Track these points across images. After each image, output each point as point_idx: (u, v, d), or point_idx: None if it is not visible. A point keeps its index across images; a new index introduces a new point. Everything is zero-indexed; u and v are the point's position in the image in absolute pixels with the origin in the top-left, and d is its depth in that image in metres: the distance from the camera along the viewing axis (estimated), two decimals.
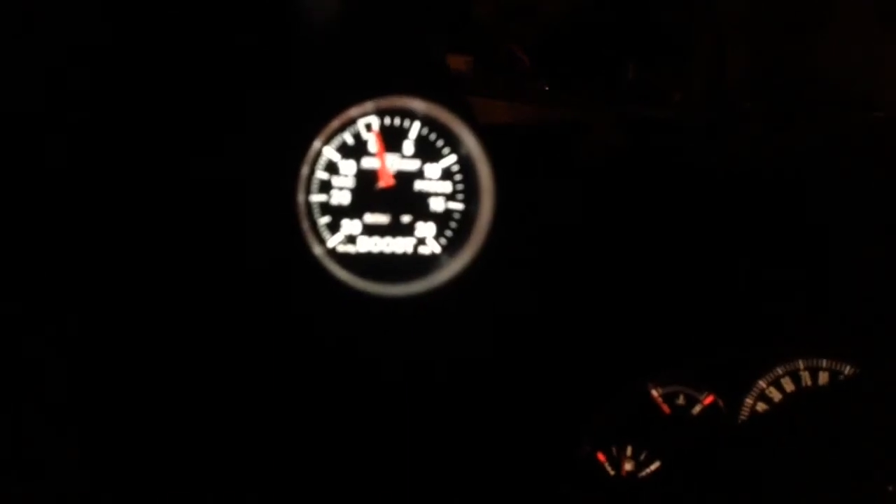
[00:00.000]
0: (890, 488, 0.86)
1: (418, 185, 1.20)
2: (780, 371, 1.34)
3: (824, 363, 1.33)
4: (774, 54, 1.46)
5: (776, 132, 1.41)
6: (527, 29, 1.51)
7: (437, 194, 1.21)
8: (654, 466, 1.33)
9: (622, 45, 1.48)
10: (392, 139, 1.18)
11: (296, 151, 1.12)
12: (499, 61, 1.48)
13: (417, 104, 1.17)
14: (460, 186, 1.21)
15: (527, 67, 1.48)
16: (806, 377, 1.34)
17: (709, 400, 1.34)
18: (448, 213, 1.21)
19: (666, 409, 1.34)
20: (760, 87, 1.44)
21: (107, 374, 1.05)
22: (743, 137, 1.42)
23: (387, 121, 1.18)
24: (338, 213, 1.17)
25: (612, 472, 1.32)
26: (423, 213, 1.20)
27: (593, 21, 1.51)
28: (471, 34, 1.45)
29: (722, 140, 1.43)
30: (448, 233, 1.22)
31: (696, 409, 1.34)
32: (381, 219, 1.19)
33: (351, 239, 1.18)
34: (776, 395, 1.34)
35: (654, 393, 1.34)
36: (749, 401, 1.34)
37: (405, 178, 1.19)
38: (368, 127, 1.17)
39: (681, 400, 1.35)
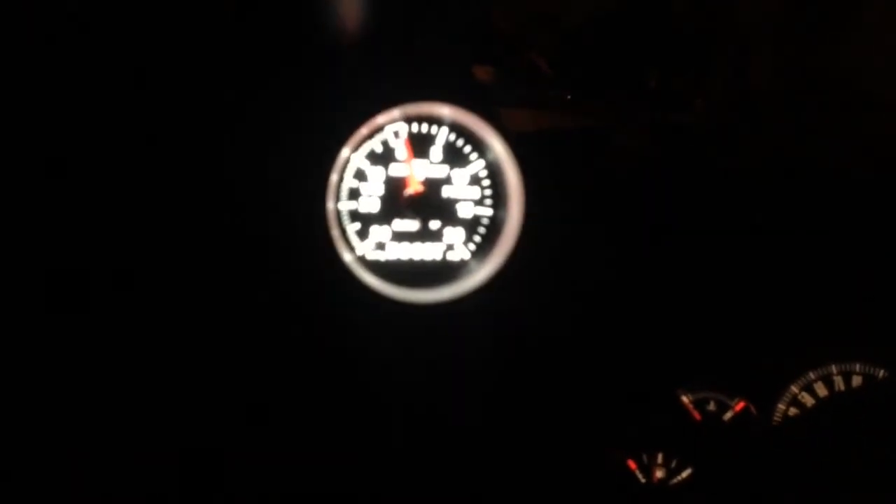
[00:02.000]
0: None
1: (446, 192, 1.20)
2: (812, 376, 1.32)
3: (857, 367, 1.32)
4: (798, 59, 1.45)
5: (801, 137, 1.40)
6: (548, 38, 1.50)
7: (465, 200, 1.21)
8: (685, 474, 1.31)
9: (644, 53, 1.48)
10: (420, 146, 1.18)
11: (325, 159, 1.12)
12: (520, 71, 1.48)
13: (445, 110, 1.17)
14: (488, 192, 1.21)
15: (548, 76, 1.48)
16: (839, 382, 1.32)
17: (740, 406, 1.33)
18: (476, 219, 1.21)
19: (697, 415, 1.32)
20: (784, 92, 1.43)
21: (136, 377, 1.06)
22: (767, 143, 1.41)
23: (414, 127, 1.18)
24: (367, 221, 1.17)
25: (643, 480, 1.31)
26: (451, 219, 1.20)
27: (615, 29, 1.51)
28: (492, 44, 1.45)
29: (746, 146, 1.42)
30: (477, 238, 1.22)
31: (728, 415, 1.33)
32: (410, 225, 1.19)
33: (380, 246, 1.18)
34: (809, 401, 1.32)
35: (685, 399, 1.32)
36: (781, 406, 1.33)
37: (433, 185, 1.19)
38: (396, 134, 1.17)
39: (712, 406, 1.33)
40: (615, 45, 1.47)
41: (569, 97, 1.45)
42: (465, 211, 1.21)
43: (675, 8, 1.50)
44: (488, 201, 1.21)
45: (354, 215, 1.17)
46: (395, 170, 1.18)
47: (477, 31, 1.38)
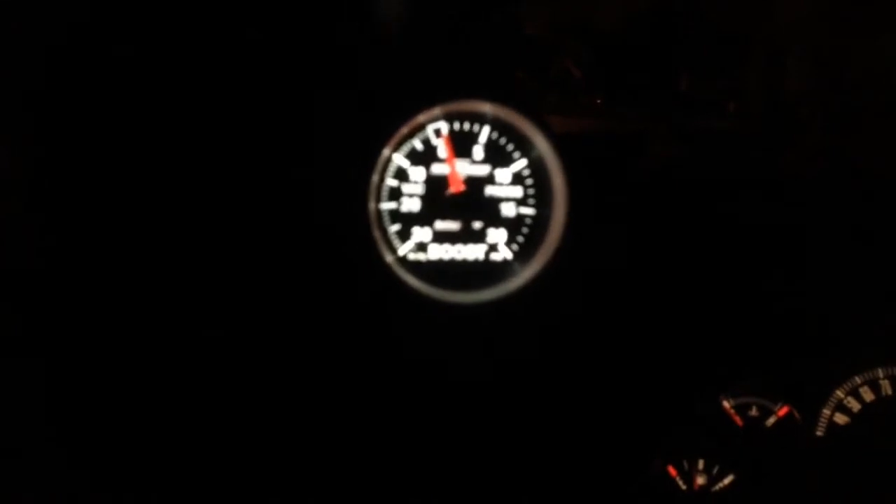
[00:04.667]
0: None
1: (489, 191, 1.18)
2: (858, 380, 1.30)
3: None
4: (833, 61, 1.43)
5: (838, 140, 1.38)
6: (580, 44, 1.49)
7: (508, 199, 1.18)
8: (727, 481, 1.29)
9: (676, 57, 1.46)
10: (461, 144, 1.16)
11: (366, 159, 1.10)
12: (553, 77, 1.46)
13: (487, 108, 1.15)
14: (531, 191, 1.19)
15: (580, 82, 1.47)
16: (886, 386, 1.30)
17: (783, 411, 1.30)
18: (520, 219, 1.19)
19: (739, 421, 1.30)
20: (819, 96, 1.42)
21: (183, 376, 1.04)
22: (801, 147, 1.40)
23: (456, 126, 1.16)
24: (408, 221, 1.15)
25: (683, 487, 1.29)
26: (494, 218, 1.18)
27: (647, 33, 1.50)
28: (525, 51, 1.44)
29: (780, 149, 1.40)
30: (520, 238, 1.19)
31: (771, 420, 1.30)
32: (452, 226, 1.17)
33: (422, 247, 1.16)
34: (855, 406, 1.30)
35: (726, 404, 1.30)
36: (826, 412, 1.30)
37: (475, 184, 1.17)
38: (437, 132, 1.15)
39: (754, 411, 1.30)
40: (647, 49, 1.46)
41: (599, 101, 1.44)
42: (508, 210, 1.19)
43: (707, 11, 1.49)
44: (532, 200, 1.19)
45: (395, 216, 1.15)
46: (437, 169, 1.15)
47: (511, 37, 1.37)
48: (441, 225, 1.16)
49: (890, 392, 1.29)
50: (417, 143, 1.15)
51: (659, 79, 1.43)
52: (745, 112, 1.43)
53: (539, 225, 1.19)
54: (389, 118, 1.12)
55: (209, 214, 1.04)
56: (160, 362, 1.01)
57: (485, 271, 1.18)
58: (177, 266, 1.03)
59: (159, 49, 1.03)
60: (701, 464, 1.29)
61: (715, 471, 1.29)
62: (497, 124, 1.17)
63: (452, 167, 1.15)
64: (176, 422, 1.02)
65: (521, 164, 1.18)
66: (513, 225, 1.19)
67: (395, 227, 1.15)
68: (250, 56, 1.07)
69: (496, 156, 1.17)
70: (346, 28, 1.12)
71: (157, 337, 1.01)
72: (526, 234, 1.19)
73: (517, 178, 1.19)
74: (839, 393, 1.30)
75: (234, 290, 1.04)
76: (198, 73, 1.05)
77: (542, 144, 1.16)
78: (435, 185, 1.15)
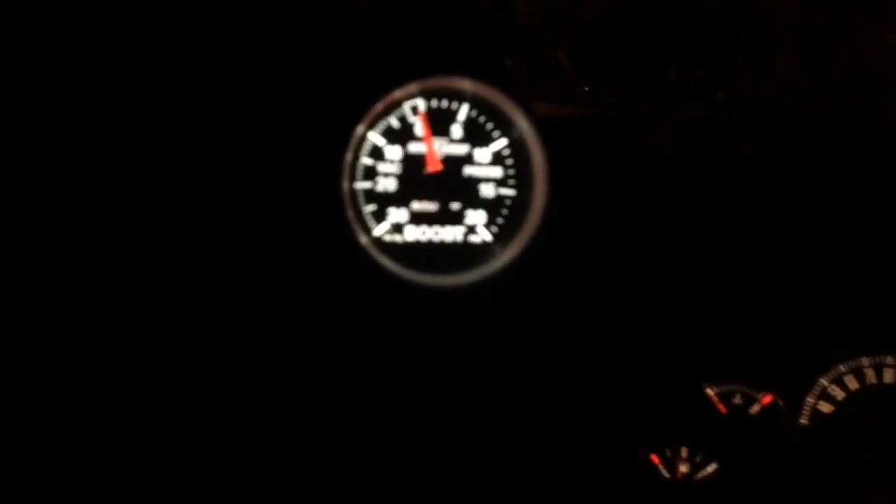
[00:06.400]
0: None
1: (468, 171, 1.15)
2: (843, 368, 1.28)
3: (890, 360, 1.27)
4: (823, 52, 1.42)
5: (823, 132, 1.36)
6: (570, 31, 1.47)
7: (487, 180, 1.16)
8: (710, 469, 1.27)
9: (665, 46, 1.44)
10: (439, 122, 1.13)
11: (339, 137, 1.07)
12: (542, 65, 1.44)
13: (466, 84, 1.12)
14: (511, 171, 1.16)
15: (569, 70, 1.44)
16: (870, 375, 1.28)
17: (767, 399, 1.28)
18: (499, 200, 1.16)
19: (722, 408, 1.28)
20: (807, 86, 1.40)
21: (154, 364, 1.03)
22: (789, 137, 1.38)
23: (434, 103, 1.13)
24: (384, 201, 1.12)
25: (666, 475, 1.27)
26: (472, 199, 1.15)
27: (636, 22, 1.48)
28: (514, 38, 1.41)
29: (768, 140, 1.38)
30: (499, 220, 1.17)
31: (755, 408, 1.28)
32: (429, 206, 1.14)
33: (398, 228, 1.13)
34: (839, 394, 1.28)
35: (710, 392, 1.28)
36: (811, 400, 1.28)
37: (454, 163, 1.14)
38: (414, 110, 1.12)
39: (738, 399, 1.29)
40: (637, 38, 1.44)
41: (587, 89, 1.41)
42: (487, 191, 1.16)
43: (697, 1, 1.47)
44: (512, 181, 1.16)
45: (370, 196, 1.12)
46: (414, 148, 1.13)
47: (499, 22, 1.34)
48: (418, 205, 1.13)
49: (874, 380, 1.28)
50: (394, 121, 1.12)
51: (648, 68, 1.41)
52: (734, 102, 1.41)
53: (519, 207, 1.16)
54: (364, 94, 1.09)
55: (180, 196, 1.02)
56: (136, 353, 0.99)
57: (463, 253, 1.15)
58: (147, 252, 1.00)
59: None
60: (684, 452, 1.27)
61: (698, 459, 1.27)
62: (476, 102, 1.14)
63: (430, 146, 1.12)
64: (155, 410, 1.01)
65: (501, 143, 1.15)
66: (492, 206, 1.16)
67: (370, 208, 1.12)
68: (220, 34, 1.04)
69: (475, 135, 1.15)
70: (320, 3, 1.08)
71: (130, 326, 0.99)
72: (506, 216, 1.17)
73: (497, 158, 1.16)
74: (823, 381, 1.28)
75: (205, 273, 1.02)
76: (168, 55, 1.02)
77: (522, 124, 1.13)
78: (412, 165, 1.12)
